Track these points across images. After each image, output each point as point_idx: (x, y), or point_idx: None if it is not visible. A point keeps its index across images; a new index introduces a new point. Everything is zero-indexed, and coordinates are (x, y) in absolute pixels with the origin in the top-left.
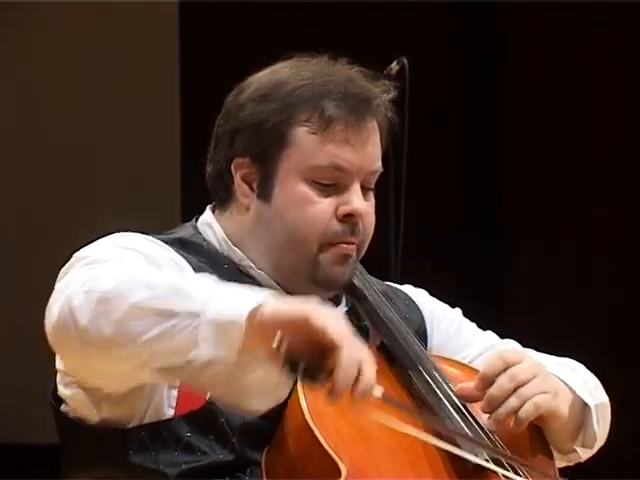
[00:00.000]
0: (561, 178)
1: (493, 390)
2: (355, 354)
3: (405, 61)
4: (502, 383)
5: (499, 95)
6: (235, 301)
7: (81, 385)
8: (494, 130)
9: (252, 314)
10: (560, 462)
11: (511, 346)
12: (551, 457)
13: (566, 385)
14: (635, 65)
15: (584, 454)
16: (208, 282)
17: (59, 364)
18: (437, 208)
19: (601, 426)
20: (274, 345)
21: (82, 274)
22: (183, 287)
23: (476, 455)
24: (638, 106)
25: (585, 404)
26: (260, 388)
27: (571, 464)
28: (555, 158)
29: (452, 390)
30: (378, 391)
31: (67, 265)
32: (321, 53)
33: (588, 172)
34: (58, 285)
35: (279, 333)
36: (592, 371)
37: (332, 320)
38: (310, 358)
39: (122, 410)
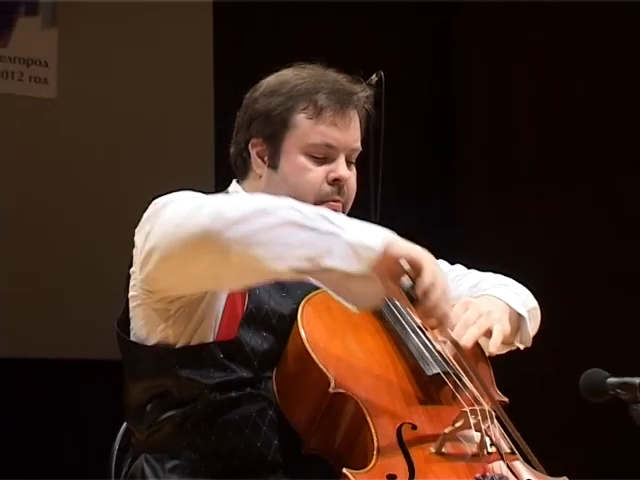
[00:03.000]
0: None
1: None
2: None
3: (382, 74)
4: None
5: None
6: (368, 234)
7: (152, 305)
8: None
9: (387, 246)
10: (504, 349)
11: (459, 268)
12: (489, 365)
13: (504, 302)
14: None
15: (522, 346)
16: (341, 215)
17: (143, 283)
18: (406, 180)
19: (533, 325)
20: (404, 267)
21: (203, 200)
22: (325, 214)
23: (431, 367)
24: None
25: (519, 314)
26: (360, 297)
27: (512, 348)
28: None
29: (414, 321)
30: None
31: (154, 207)
32: (316, 61)
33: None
34: (168, 205)
35: (403, 261)
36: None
37: (433, 264)
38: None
39: (177, 328)
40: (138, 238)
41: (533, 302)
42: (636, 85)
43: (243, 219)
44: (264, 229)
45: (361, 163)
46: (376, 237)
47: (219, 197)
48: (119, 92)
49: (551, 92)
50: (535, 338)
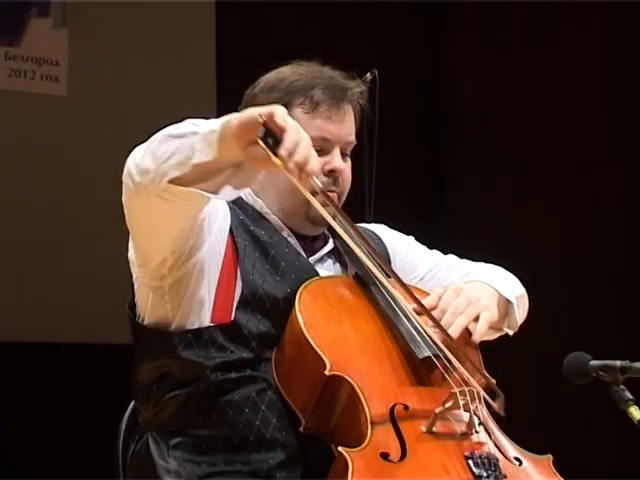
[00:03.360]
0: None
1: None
2: (296, 136)
3: (376, 72)
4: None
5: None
6: (216, 123)
7: (148, 283)
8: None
9: (223, 125)
10: (493, 335)
11: (451, 258)
12: (477, 348)
13: (493, 288)
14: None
15: (510, 331)
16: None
17: (136, 265)
18: (397, 172)
19: (521, 312)
20: (258, 134)
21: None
22: (196, 122)
23: (422, 350)
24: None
25: (508, 300)
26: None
27: (499, 334)
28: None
29: (405, 306)
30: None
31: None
32: (313, 59)
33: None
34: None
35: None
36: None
37: (282, 113)
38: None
39: (174, 304)
40: None
41: (521, 289)
42: (619, 79)
43: (143, 161)
44: (157, 153)
45: (356, 155)
46: (218, 121)
47: (155, 140)
48: (126, 90)
49: (539, 87)
50: (523, 324)
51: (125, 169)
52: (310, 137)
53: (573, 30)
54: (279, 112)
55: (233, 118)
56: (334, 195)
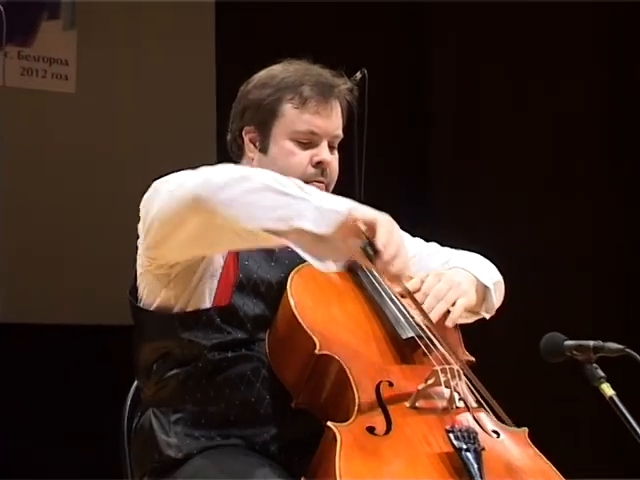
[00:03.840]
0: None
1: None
2: (395, 248)
3: (365, 71)
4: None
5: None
6: (334, 201)
7: (154, 272)
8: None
9: (350, 210)
10: (471, 318)
11: (433, 245)
12: (457, 329)
13: (472, 275)
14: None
15: (487, 315)
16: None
17: (146, 252)
18: (384, 165)
19: (497, 296)
20: (363, 231)
21: (194, 172)
22: (298, 182)
23: (405, 331)
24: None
25: (485, 286)
26: (326, 257)
27: (477, 317)
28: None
29: (390, 289)
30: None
31: (155, 185)
32: (303, 57)
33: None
34: (164, 184)
35: (359, 222)
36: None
37: (390, 227)
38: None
39: (177, 291)
40: (142, 212)
41: (498, 276)
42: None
43: (227, 185)
44: (245, 193)
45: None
46: (341, 203)
47: (208, 168)
48: (131, 87)
49: (508, 79)
50: (499, 308)
51: (192, 187)
52: (299, 130)
53: (545, 29)
54: (383, 227)
55: (357, 212)
56: (322, 185)
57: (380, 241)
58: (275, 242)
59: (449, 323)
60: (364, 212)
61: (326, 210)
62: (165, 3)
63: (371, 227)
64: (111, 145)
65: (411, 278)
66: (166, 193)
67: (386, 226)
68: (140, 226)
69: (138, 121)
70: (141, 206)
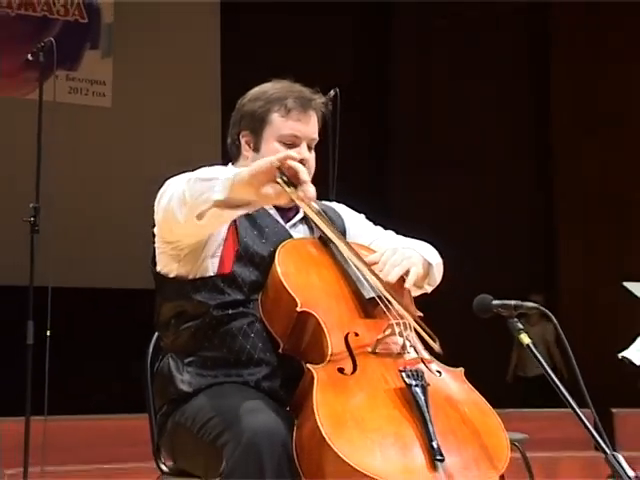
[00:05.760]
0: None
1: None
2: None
3: (338, 90)
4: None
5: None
6: (234, 172)
7: (168, 252)
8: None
9: (241, 172)
10: (416, 292)
11: (390, 233)
12: (409, 292)
13: (419, 254)
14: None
15: (430, 289)
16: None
17: (160, 238)
18: (354, 163)
19: (437, 274)
20: (277, 178)
21: (178, 187)
22: (224, 169)
23: (368, 292)
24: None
25: (430, 263)
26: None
27: (422, 291)
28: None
29: (356, 260)
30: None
31: (163, 188)
32: (288, 77)
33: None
34: (164, 194)
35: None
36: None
37: (281, 157)
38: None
39: (190, 265)
40: (155, 208)
41: (440, 259)
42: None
43: (182, 195)
44: (190, 190)
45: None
46: (236, 172)
47: (191, 180)
48: (153, 100)
49: (456, 77)
50: (439, 286)
51: (170, 197)
52: (284, 134)
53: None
54: (287, 156)
55: (244, 170)
56: None
57: (285, 167)
58: (226, 216)
59: (407, 285)
60: (257, 164)
61: (226, 180)
62: (182, 36)
63: (282, 161)
64: (139, 146)
65: (373, 251)
66: (164, 205)
67: (281, 157)
68: (155, 218)
69: (160, 127)
70: (155, 202)
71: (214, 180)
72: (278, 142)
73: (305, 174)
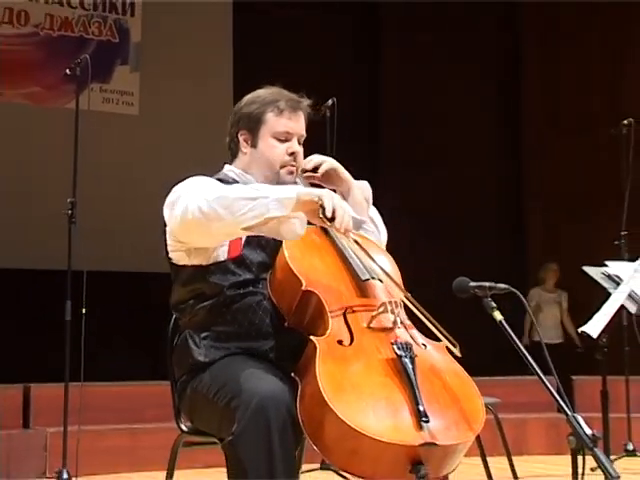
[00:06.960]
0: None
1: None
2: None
3: (335, 100)
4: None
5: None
6: (285, 191)
7: (180, 250)
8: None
9: (298, 195)
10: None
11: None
12: (398, 271)
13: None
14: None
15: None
16: (264, 186)
17: (173, 238)
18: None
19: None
20: (318, 204)
21: (195, 192)
22: (256, 187)
23: (364, 274)
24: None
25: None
26: (294, 229)
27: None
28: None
29: (353, 246)
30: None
31: (175, 192)
32: (280, 84)
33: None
34: (178, 203)
35: (318, 199)
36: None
37: (330, 196)
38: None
39: (201, 258)
40: (165, 214)
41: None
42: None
43: (212, 210)
44: (225, 208)
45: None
46: (289, 190)
47: (201, 191)
48: (175, 108)
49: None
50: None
51: (185, 208)
52: (278, 131)
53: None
54: (327, 197)
55: (302, 194)
56: (294, 168)
57: (328, 209)
58: (249, 233)
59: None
60: (309, 191)
61: (282, 199)
62: (200, 52)
63: (319, 200)
64: (162, 149)
65: (367, 239)
66: (178, 215)
67: (328, 197)
68: (166, 218)
69: (181, 132)
70: (165, 205)
71: (262, 199)
72: (273, 138)
73: (343, 216)
